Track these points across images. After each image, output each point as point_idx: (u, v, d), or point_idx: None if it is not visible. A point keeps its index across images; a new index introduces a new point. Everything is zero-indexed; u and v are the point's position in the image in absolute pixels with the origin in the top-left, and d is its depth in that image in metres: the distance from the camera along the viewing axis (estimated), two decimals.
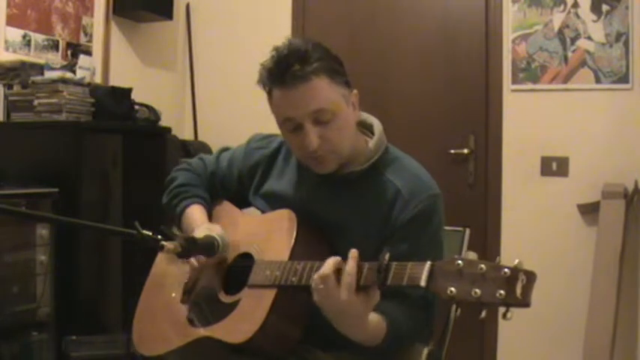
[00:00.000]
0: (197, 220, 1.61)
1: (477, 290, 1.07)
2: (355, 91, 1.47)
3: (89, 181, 2.77)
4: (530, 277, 1.05)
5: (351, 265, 1.22)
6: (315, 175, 1.50)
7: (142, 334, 1.60)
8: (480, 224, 3.26)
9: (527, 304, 1.04)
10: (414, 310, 1.40)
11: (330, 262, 1.24)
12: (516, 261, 1.06)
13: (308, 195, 1.52)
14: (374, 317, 1.31)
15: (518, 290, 1.04)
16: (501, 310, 1.06)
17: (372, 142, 1.51)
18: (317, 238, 1.46)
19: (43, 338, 2.54)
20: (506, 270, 1.05)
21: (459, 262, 1.10)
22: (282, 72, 1.38)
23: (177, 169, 1.77)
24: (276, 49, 1.42)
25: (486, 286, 1.06)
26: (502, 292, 1.04)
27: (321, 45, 1.46)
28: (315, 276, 1.25)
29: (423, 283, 1.14)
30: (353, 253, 1.23)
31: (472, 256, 1.11)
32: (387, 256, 1.20)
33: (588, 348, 2.71)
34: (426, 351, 1.58)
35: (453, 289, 1.09)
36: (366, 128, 1.56)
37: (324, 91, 1.39)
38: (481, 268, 1.07)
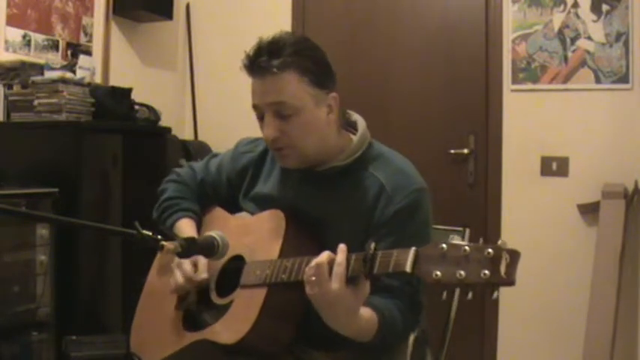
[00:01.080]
0: (185, 234, 1.60)
1: (462, 272, 1.07)
2: (334, 94, 1.47)
3: (89, 181, 2.77)
4: (514, 255, 1.06)
5: (340, 257, 1.23)
6: (298, 172, 1.52)
7: (140, 342, 1.62)
8: (479, 224, 3.26)
9: (511, 283, 1.05)
10: (404, 302, 1.40)
11: (324, 254, 1.25)
12: (500, 241, 1.07)
13: (294, 193, 1.53)
14: (365, 312, 1.31)
15: (503, 269, 1.05)
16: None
17: (354, 139, 1.52)
18: (306, 235, 1.47)
19: (43, 338, 2.54)
20: (489, 250, 1.06)
21: (443, 245, 1.11)
22: (252, 61, 1.43)
23: (167, 180, 1.78)
24: (261, 38, 1.45)
25: (471, 267, 1.07)
26: (486, 271, 1.05)
27: (307, 42, 1.48)
28: (307, 267, 1.25)
29: (408, 268, 1.14)
30: (342, 246, 1.24)
31: (457, 240, 1.11)
32: (372, 246, 1.21)
33: (588, 348, 2.71)
34: (412, 337, 1.59)
35: (438, 272, 1.10)
36: (350, 126, 1.57)
37: (288, 87, 1.41)
38: (465, 250, 1.08)
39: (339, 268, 1.22)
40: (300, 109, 1.42)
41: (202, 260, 1.50)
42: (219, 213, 1.69)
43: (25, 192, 2.47)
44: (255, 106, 1.47)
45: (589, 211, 3.05)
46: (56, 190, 2.55)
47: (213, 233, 1.46)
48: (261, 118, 1.47)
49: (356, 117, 1.58)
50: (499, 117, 3.28)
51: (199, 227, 1.68)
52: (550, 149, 3.19)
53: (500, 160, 3.28)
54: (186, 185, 1.74)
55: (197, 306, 1.52)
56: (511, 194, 3.27)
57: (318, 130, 1.46)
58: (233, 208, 1.68)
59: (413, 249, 1.16)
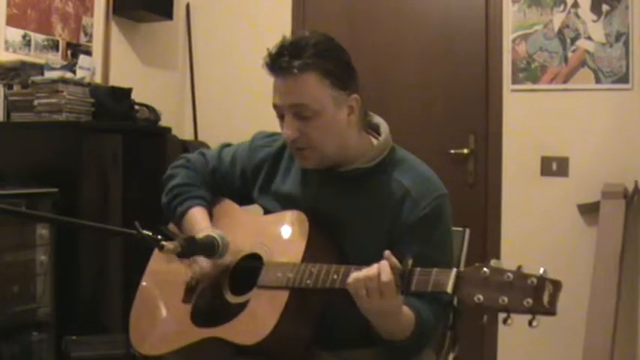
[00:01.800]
0: (200, 225, 1.58)
1: (505, 298, 1.08)
2: (355, 96, 1.46)
3: (89, 181, 2.77)
4: (557, 285, 1.08)
5: (387, 274, 1.22)
6: (319, 173, 1.50)
7: (142, 332, 1.57)
8: (479, 224, 3.26)
9: (553, 313, 1.08)
10: (440, 309, 1.41)
11: (374, 268, 1.23)
12: (542, 270, 1.09)
13: (316, 193, 1.51)
14: (405, 310, 1.33)
15: (546, 299, 1.07)
16: (527, 317, 1.08)
17: (378, 142, 1.51)
18: (328, 238, 1.46)
19: (43, 338, 2.54)
20: (533, 279, 1.08)
21: (485, 269, 1.12)
22: (274, 61, 1.41)
23: (176, 166, 1.72)
24: (284, 37, 1.44)
25: (513, 294, 1.08)
26: (529, 300, 1.07)
27: (330, 43, 1.46)
28: (354, 280, 1.24)
29: (449, 289, 1.15)
30: (387, 254, 1.24)
31: (496, 263, 1.12)
32: (410, 262, 1.21)
33: (588, 348, 2.71)
34: (451, 357, 1.59)
35: (480, 296, 1.11)
36: (372, 129, 1.56)
37: (309, 89, 1.40)
38: (508, 277, 1.09)
39: (390, 284, 1.21)
40: (321, 111, 1.41)
41: None
42: (230, 206, 1.66)
43: (25, 192, 2.47)
44: (275, 106, 1.45)
45: (589, 211, 3.05)
46: (56, 190, 2.55)
47: (213, 233, 1.45)
48: (281, 117, 1.45)
49: (378, 119, 1.57)
50: (499, 117, 3.28)
51: (211, 217, 1.64)
52: (550, 149, 3.19)
53: (500, 160, 3.28)
54: (197, 172, 1.69)
55: (208, 301, 1.50)
56: (511, 194, 3.27)
57: (339, 132, 1.45)
58: (244, 201, 1.65)
59: (454, 270, 1.16)
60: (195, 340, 1.43)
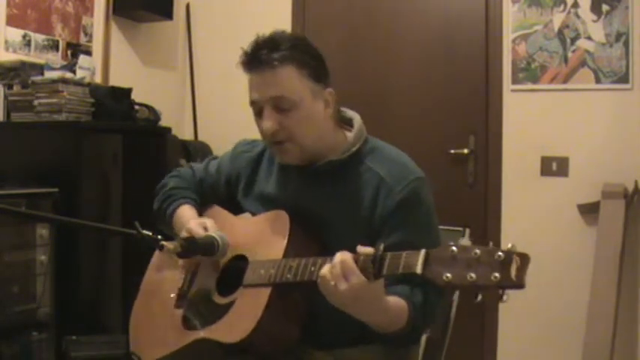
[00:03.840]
0: (187, 217, 1.63)
1: (472, 274, 1.08)
2: (330, 89, 1.49)
3: (89, 181, 2.77)
4: (524, 259, 1.07)
5: (346, 252, 1.22)
6: (296, 171, 1.52)
7: (139, 341, 1.62)
8: (479, 224, 3.26)
9: (521, 286, 1.06)
10: (434, 292, 1.40)
11: (337, 256, 1.24)
12: (510, 245, 1.09)
13: (295, 192, 1.53)
14: (391, 298, 1.32)
15: (513, 272, 1.06)
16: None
17: (351, 134, 1.53)
18: (309, 234, 1.47)
19: (43, 338, 2.54)
20: (500, 253, 1.07)
21: (454, 248, 1.12)
22: (251, 56, 1.44)
23: (168, 176, 1.80)
24: (258, 35, 1.47)
25: (481, 269, 1.08)
26: (497, 274, 1.06)
27: (303, 39, 1.52)
28: (320, 277, 1.24)
29: (418, 270, 1.15)
30: (358, 247, 1.23)
31: (466, 242, 1.12)
32: (381, 247, 1.21)
33: (588, 348, 2.71)
34: (424, 338, 1.59)
35: (448, 274, 1.10)
36: (345, 122, 1.58)
37: (287, 80, 1.42)
38: (475, 253, 1.09)
39: (348, 261, 1.21)
40: (299, 103, 1.43)
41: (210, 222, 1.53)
42: (218, 211, 1.70)
43: (25, 192, 2.47)
44: (253, 102, 1.48)
45: (589, 211, 3.05)
46: (56, 190, 2.55)
47: (213, 233, 1.47)
48: (258, 114, 1.47)
49: (351, 114, 1.59)
50: (499, 117, 3.28)
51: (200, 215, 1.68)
52: (550, 149, 3.19)
53: (501, 160, 3.28)
54: (187, 181, 1.77)
55: (197, 305, 1.52)
56: (511, 194, 3.27)
57: (317, 124, 1.47)
58: (232, 207, 1.68)
59: (423, 251, 1.16)
60: (186, 343, 1.45)
